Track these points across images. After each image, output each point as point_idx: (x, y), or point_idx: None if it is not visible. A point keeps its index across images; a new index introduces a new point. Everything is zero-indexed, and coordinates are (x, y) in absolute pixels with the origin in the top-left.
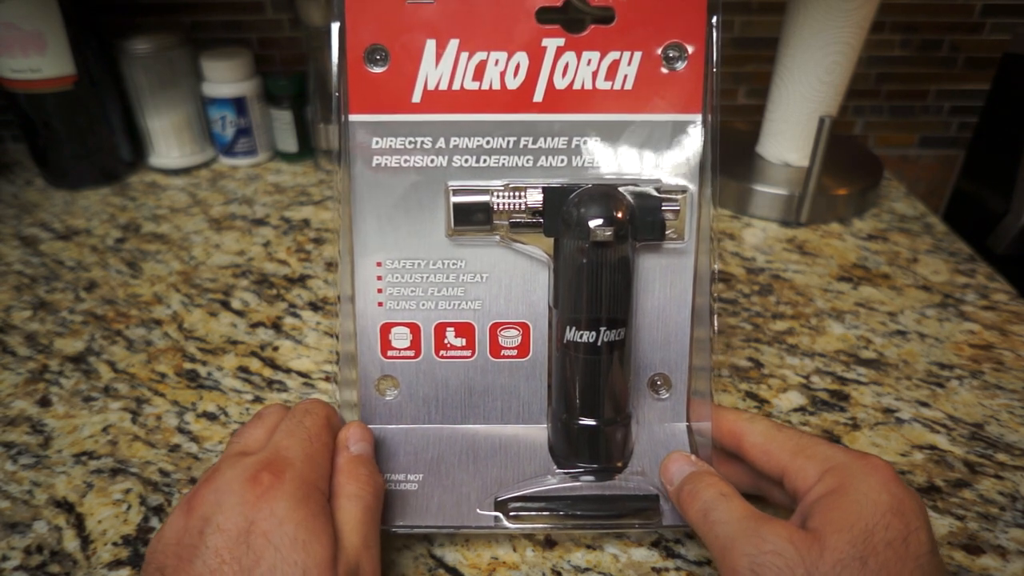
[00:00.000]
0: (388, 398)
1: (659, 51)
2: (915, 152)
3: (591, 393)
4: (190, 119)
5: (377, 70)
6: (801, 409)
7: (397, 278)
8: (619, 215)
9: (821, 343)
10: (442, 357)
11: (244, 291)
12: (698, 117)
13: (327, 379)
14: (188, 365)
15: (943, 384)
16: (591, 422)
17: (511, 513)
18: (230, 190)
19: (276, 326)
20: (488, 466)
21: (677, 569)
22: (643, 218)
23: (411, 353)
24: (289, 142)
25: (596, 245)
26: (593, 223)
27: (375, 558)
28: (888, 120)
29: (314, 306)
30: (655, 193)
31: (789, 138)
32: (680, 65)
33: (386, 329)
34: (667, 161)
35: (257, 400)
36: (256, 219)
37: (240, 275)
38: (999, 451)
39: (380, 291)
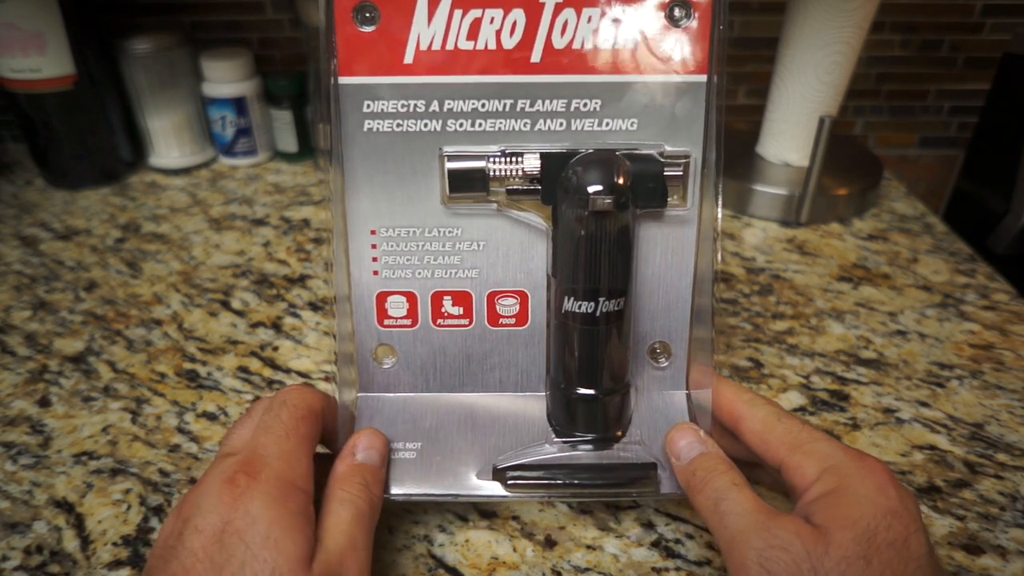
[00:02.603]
0: (385, 366)
1: (664, 8)
2: (915, 152)
3: (589, 363)
4: (190, 119)
5: (367, 29)
6: (801, 409)
7: (392, 246)
8: (619, 183)
9: (821, 343)
10: (439, 326)
11: (244, 291)
12: (703, 78)
13: (327, 379)
14: (188, 365)
15: (943, 384)
16: (589, 392)
17: (509, 481)
18: (230, 190)
19: (276, 326)
20: (486, 434)
21: (677, 569)
22: (644, 184)
23: (408, 322)
24: (289, 142)
25: (595, 214)
26: (592, 191)
27: (363, 562)
28: (888, 120)
29: (314, 306)
30: (657, 158)
31: (789, 138)
32: (685, 23)
33: (382, 298)
34: (670, 124)
35: (257, 400)
36: (256, 219)
37: (240, 275)
38: (999, 451)
39: (375, 260)
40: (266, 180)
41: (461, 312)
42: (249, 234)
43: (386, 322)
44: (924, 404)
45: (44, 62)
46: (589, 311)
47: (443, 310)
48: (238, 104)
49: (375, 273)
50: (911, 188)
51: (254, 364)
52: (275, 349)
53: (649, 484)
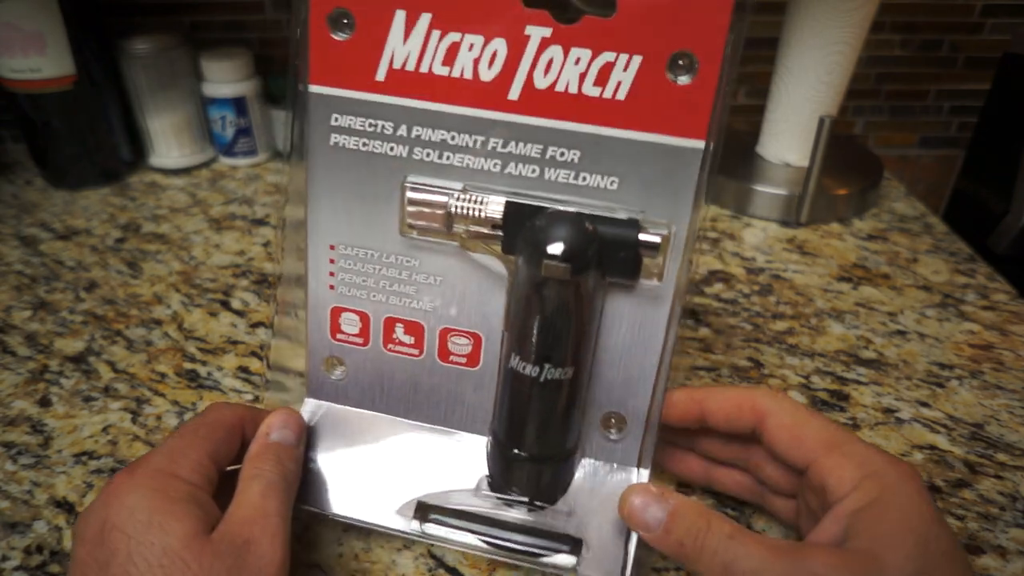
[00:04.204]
0: (334, 377)
1: (664, 60)
2: (915, 152)
3: (529, 425)
4: (190, 119)
5: (340, 37)
6: None
7: (349, 264)
8: (582, 251)
9: (821, 343)
10: (390, 350)
11: (244, 291)
12: (700, 144)
13: None
14: (188, 365)
15: (943, 384)
16: (525, 454)
17: (428, 522)
18: (230, 190)
19: None
20: (420, 468)
21: (677, 569)
22: (615, 253)
23: (360, 340)
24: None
25: (550, 281)
26: (549, 256)
27: (275, 528)
28: (888, 120)
29: None
30: (633, 227)
31: (789, 138)
32: (686, 79)
33: (336, 312)
34: (655, 191)
35: (257, 400)
36: (256, 219)
37: (240, 275)
38: (999, 451)
39: (332, 274)
40: (266, 180)
41: (412, 342)
42: (249, 234)
43: (339, 336)
44: (924, 404)
45: (44, 62)
46: (533, 374)
47: (395, 336)
48: (238, 104)
49: (331, 287)
50: (911, 188)
51: (254, 364)
52: None
53: (571, 561)
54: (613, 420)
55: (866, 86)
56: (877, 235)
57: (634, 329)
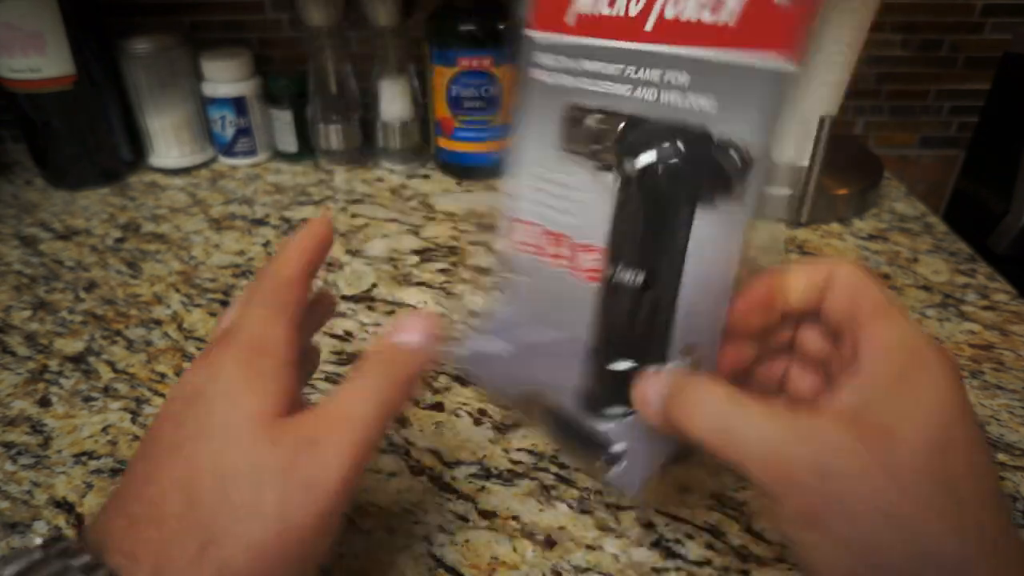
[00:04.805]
0: (503, 282)
1: None
2: (915, 152)
3: (599, 327)
4: (190, 119)
5: None
6: None
7: (530, 183)
8: (671, 154)
9: None
10: (547, 264)
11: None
12: (793, 67)
13: (326, 379)
14: (188, 365)
15: None
16: (595, 357)
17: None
18: (230, 190)
19: None
20: (539, 363)
21: (677, 569)
22: (706, 169)
23: (530, 250)
24: (289, 142)
25: (642, 182)
26: (639, 157)
27: (352, 439)
28: (888, 120)
29: None
30: (725, 145)
31: (789, 138)
32: (787, 1)
33: (516, 223)
34: (749, 112)
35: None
36: (256, 219)
37: (240, 275)
38: (999, 451)
39: (521, 190)
40: (266, 180)
41: (566, 255)
42: (249, 234)
43: (513, 245)
44: None
45: (44, 62)
46: (608, 275)
47: (550, 249)
48: (238, 104)
49: (518, 201)
50: (911, 188)
51: None
52: None
53: (604, 467)
54: (692, 350)
55: (866, 86)
56: (877, 235)
57: (713, 257)
